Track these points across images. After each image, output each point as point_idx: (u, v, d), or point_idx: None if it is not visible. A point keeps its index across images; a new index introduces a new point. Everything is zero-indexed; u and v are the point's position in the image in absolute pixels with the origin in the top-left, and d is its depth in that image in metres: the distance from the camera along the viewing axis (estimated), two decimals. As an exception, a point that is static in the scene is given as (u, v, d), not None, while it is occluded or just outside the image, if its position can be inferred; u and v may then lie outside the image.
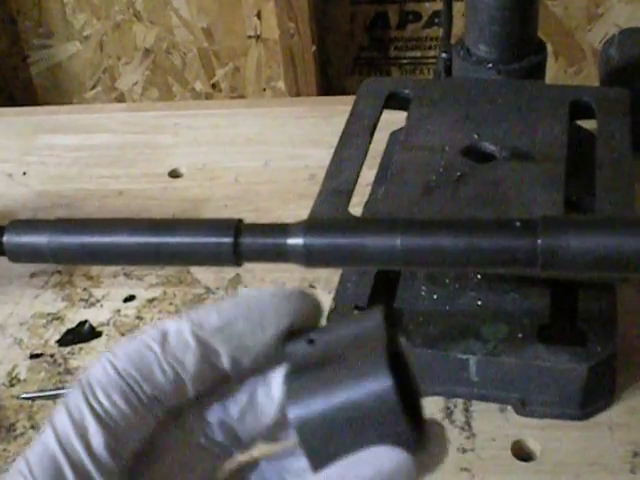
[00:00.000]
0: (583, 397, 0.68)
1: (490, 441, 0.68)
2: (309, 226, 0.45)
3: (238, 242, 0.45)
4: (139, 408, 0.35)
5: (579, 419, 0.68)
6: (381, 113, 0.83)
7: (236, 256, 0.45)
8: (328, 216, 0.68)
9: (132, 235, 0.47)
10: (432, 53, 1.60)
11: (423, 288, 0.73)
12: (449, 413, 0.70)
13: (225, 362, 0.36)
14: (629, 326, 0.75)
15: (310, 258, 0.44)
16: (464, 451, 0.67)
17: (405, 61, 1.63)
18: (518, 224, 0.42)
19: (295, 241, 0.45)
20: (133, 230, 0.47)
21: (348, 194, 0.72)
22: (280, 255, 0.45)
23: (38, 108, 1.27)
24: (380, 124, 0.84)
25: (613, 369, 0.70)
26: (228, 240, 0.45)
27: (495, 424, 0.69)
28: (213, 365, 0.36)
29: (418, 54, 1.62)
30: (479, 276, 0.72)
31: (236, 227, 0.46)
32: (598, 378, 0.68)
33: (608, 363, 0.68)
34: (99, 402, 0.35)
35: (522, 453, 0.67)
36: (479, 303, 0.71)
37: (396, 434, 0.33)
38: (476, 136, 0.77)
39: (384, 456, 0.33)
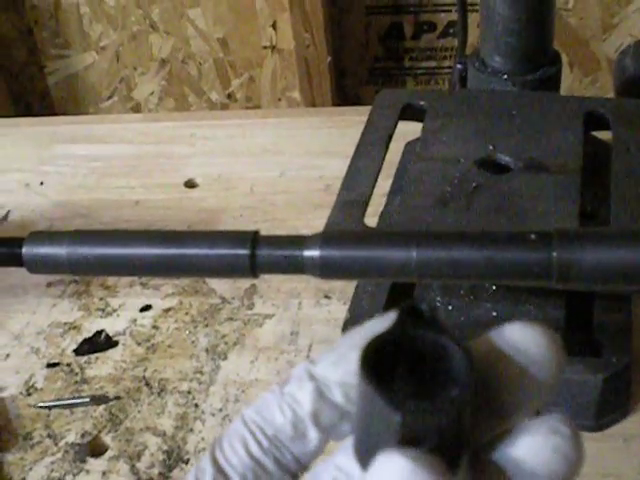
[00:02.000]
0: (598, 408, 0.67)
1: (505, 452, 0.68)
2: (325, 238, 0.45)
3: (255, 254, 0.45)
4: (258, 453, 0.35)
5: (594, 430, 0.68)
6: (396, 124, 0.83)
7: (253, 268, 0.45)
8: (344, 227, 0.68)
9: (149, 247, 0.47)
10: (447, 63, 1.61)
11: (438, 299, 0.73)
12: (464, 424, 0.70)
13: (337, 395, 0.35)
14: (645, 336, 0.75)
15: (326, 270, 0.45)
16: (479, 462, 0.67)
17: (420, 71, 1.64)
18: (533, 237, 0.43)
19: (311, 253, 0.45)
20: (150, 242, 0.47)
21: (364, 205, 0.72)
22: (296, 267, 0.45)
23: (54, 118, 1.28)
24: (396, 135, 0.84)
25: (628, 380, 0.70)
26: (245, 252, 0.46)
27: (510, 435, 0.69)
28: (329, 401, 0.35)
29: (433, 64, 1.63)
30: (494, 287, 0.72)
31: (253, 239, 0.46)
32: (613, 389, 0.67)
33: (623, 374, 0.68)
34: (222, 450, 0.35)
35: (537, 464, 0.67)
36: (494, 314, 0.71)
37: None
38: (491, 147, 0.77)
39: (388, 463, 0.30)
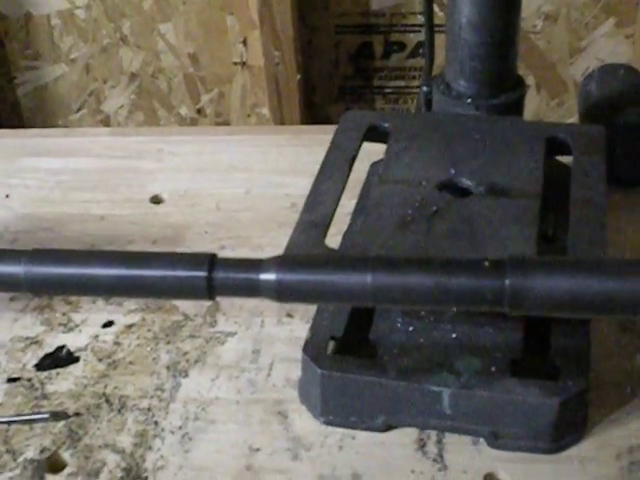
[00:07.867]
0: (554, 431, 0.68)
1: (462, 473, 0.68)
2: (282, 262, 0.45)
3: (212, 277, 0.46)
4: None
5: (550, 452, 0.69)
6: (360, 146, 0.84)
7: (209, 290, 0.46)
8: (304, 249, 0.69)
9: (108, 267, 0.47)
10: (416, 83, 1.62)
11: (399, 320, 0.73)
12: (422, 445, 0.70)
13: None
14: (602, 360, 0.76)
15: (282, 294, 0.45)
16: (436, 483, 0.68)
17: (389, 90, 1.65)
18: (487, 264, 0.43)
19: (268, 277, 0.46)
20: (110, 262, 0.47)
21: (325, 227, 0.73)
22: (253, 290, 0.45)
23: (22, 131, 1.28)
24: (362, 154, 0.84)
25: (585, 403, 0.70)
26: (202, 274, 0.46)
27: (467, 456, 0.69)
28: None
29: (402, 84, 1.64)
30: (455, 309, 0.72)
31: (210, 261, 0.47)
32: (569, 412, 0.68)
33: (580, 397, 0.69)
34: None
35: (493, 486, 0.68)
36: (454, 336, 0.72)
37: None
38: (453, 171, 0.78)
39: None
